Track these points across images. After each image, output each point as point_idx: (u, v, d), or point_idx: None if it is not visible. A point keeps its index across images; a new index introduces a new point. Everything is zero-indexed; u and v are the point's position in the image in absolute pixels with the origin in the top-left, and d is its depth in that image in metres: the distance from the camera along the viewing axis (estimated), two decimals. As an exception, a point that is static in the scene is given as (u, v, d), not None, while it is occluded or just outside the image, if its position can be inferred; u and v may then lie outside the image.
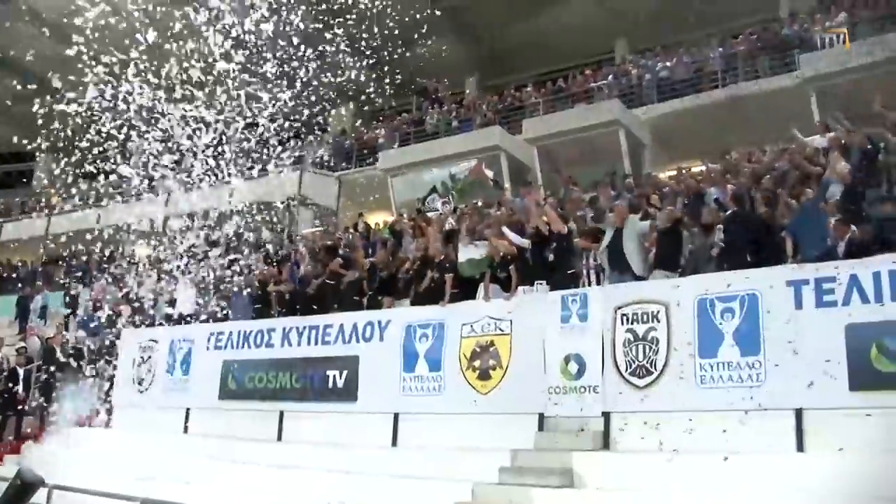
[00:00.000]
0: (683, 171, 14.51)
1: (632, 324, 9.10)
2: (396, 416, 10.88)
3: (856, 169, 10.74)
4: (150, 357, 14.50)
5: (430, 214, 17.64)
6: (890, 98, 13.23)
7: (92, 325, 17.85)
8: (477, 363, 10.27)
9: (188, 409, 13.55)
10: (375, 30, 21.81)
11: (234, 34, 11.68)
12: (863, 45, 18.61)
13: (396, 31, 23.22)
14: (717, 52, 22.43)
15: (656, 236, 10.10)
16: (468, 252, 11.33)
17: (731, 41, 22.76)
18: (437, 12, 28.18)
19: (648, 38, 26.68)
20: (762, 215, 9.83)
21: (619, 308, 9.23)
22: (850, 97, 17.02)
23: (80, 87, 11.81)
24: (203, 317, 14.09)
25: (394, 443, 10.79)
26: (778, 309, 8.24)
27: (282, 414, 12.22)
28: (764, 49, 21.62)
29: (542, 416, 9.52)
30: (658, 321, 8.94)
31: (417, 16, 23.30)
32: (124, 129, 13.11)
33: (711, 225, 10.12)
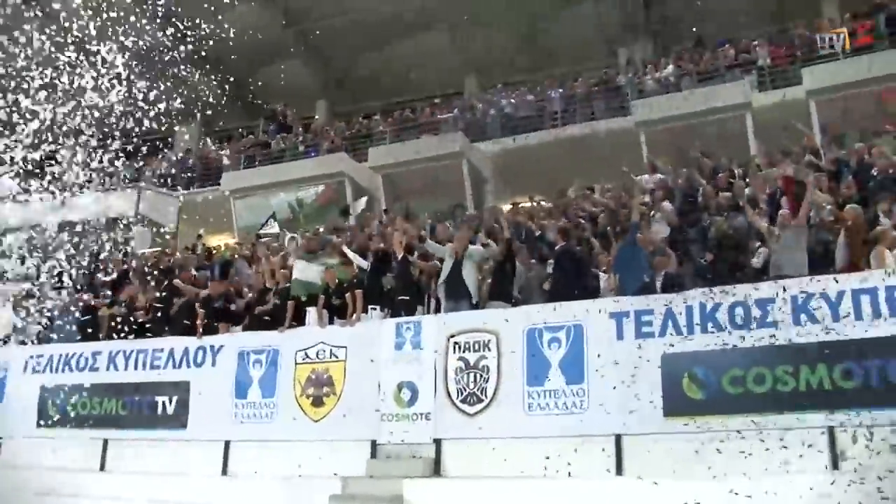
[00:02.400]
0: (520, 206, 14.99)
1: (464, 352, 9.33)
2: (227, 443, 10.60)
3: (678, 210, 11.53)
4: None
5: (266, 241, 17.29)
6: (708, 145, 14.35)
7: None
8: (311, 390, 10.21)
9: (0, 438, 12.59)
10: (226, 47, 21.38)
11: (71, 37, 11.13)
12: (688, 95, 20.08)
13: (247, 52, 22.86)
14: (557, 93, 23.41)
15: (491, 268, 10.40)
16: (302, 271, 11.20)
17: (570, 84, 23.83)
18: (289, 36, 28.10)
19: (498, 76, 27.50)
20: (587, 251, 10.33)
21: (453, 336, 9.44)
22: (675, 142, 18.26)
23: None
24: (21, 339, 13.20)
25: (224, 471, 10.49)
26: (601, 339, 8.68)
27: (106, 442, 11.62)
28: (601, 92, 22.82)
29: (374, 443, 9.55)
30: (489, 350, 9.20)
31: (269, 38, 23.04)
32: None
33: (543, 259, 10.53)
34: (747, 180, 12.00)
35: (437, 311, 10.44)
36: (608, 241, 10.89)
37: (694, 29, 24.29)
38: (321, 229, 16.68)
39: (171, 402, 11.30)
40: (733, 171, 13.08)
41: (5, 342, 13.34)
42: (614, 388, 8.42)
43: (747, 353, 7.98)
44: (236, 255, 15.99)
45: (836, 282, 7.94)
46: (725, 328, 8.16)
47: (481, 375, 9.14)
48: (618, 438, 8.32)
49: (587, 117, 22.24)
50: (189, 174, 26.98)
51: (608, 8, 25.80)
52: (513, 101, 24.02)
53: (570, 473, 8.27)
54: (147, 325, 12.51)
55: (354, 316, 10.42)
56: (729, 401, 7.92)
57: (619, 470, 8.23)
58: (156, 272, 14.37)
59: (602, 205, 12.71)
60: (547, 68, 26.49)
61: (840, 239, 9.03)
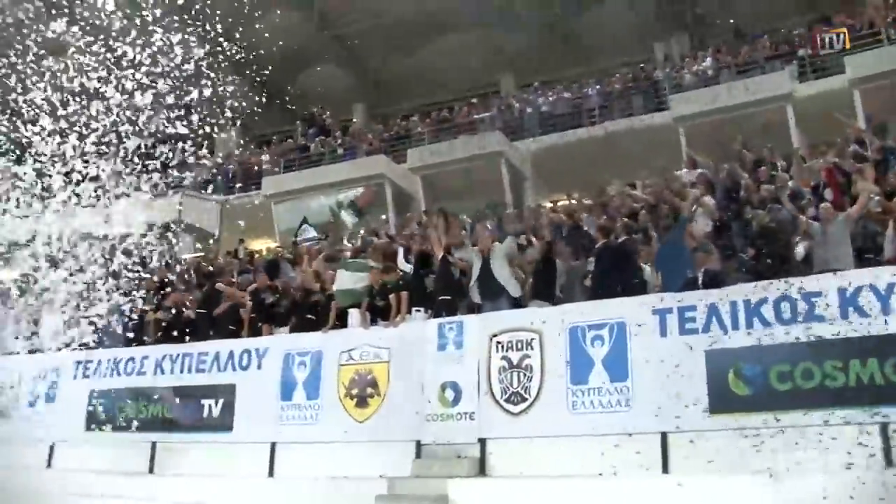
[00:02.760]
0: (559, 203, 14.93)
1: (507, 351, 9.31)
2: (273, 445, 10.68)
3: (720, 204, 11.40)
4: (10, 388, 13.70)
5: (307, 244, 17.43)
6: (749, 137, 14.15)
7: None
8: (355, 391, 10.26)
9: (53, 443, 12.87)
10: (263, 53, 21.64)
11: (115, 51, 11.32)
12: (728, 88, 19.85)
13: (284, 57, 23.06)
14: (594, 90, 23.30)
15: (532, 268, 10.38)
16: (343, 281, 11.28)
17: (607, 80, 23.69)
18: (325, 40, 28.30)
19: (533, 74, 27.45)
20: (629, 247, 10.25)
21: (495, 336, 9.42)
22: (714, 136, 18.06)
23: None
24: (71, 345, 13.44)
25: (270, 473, 10.58)
26: (644, 336, 8.61)
27: (154, 445, 11.78)
28: (638, 88, 22.66)
29: (419, 444, 9.56)
30: (532, 348, 9.17)
31: (305, 43, 23.23)
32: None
33: (584, 256, 10.48)
34: (790, 173, 11.83)
35: (472, 310, 10.43)
36: (648, 237, 10.82)
37: (731, 21, 24.01)
38: (361, 231, 16.77)
39: (217, 404, 11.43)
40: (775, 163, 12.90)
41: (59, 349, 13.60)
42: (659, 385, 8.33)
43: (794, 348, 7.83)
44: (281, 257, 16.16)
45: (886, 274, 7.78)
46: (771, 323, 8.03)
47: (524, 374, 9.12)
48: (663, 436, 8.22)
49: (624, 113, 22.12)
50: (230, 179, 27.33)
51: (643, 2, 25.58)
52: (550, 98, 23.95)
53: (615, 472, 8.21)
54: (192, 329, 12.68)
55: (399, 318, 10.46)
56: (777, 397, 7.78)
57: (665, 468, 8.13)
58: (199, 277, 14.57)
59: (642, 201, 12.60)
60: (583, 65, 26.42)
61: (889, 231, 8.86)
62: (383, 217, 20.80)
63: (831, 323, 7.75)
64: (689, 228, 9.82)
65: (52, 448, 12.79)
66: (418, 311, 10.34)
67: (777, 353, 7.91)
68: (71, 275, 13.40)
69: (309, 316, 11.55)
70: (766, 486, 7.33)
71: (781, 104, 18.98)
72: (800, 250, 9.50)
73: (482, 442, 9.20)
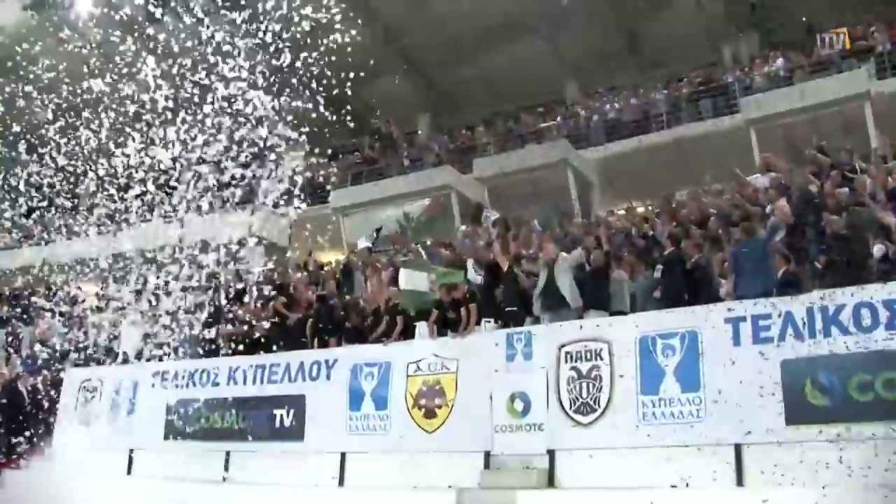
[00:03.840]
0: (626, 211, 14.73)
1: (576, 361, 9.22)
2: (343, 455, 10.80)
3: (795, 209, 11.07)
4: (93, 397, 14.18)
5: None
6: (825, 138, 13.73)
7: (35, 363, 17.40)
8: (423, 402, 10.29)
9: (132, 450, 13.24)
10: (328, 70, 21.90)
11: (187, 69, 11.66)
12: (801, 88, 19.33)
13: (349, 70, 23.23)
14: (662, 95, 22.97)
15: (587, 277, 10.27)
16: (407, 280, 11.27)
17: (675, 84, 23.33)
18: (389, 53, 28.53)
19: (598, 81, 27.21)
20: (698, 255, 10.05)
21: (563, 346, 9.35)
22: (788, 138, 17.61)
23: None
24: (147, 356, 13.82)
25: (340, 482, 10.69)
26: (716, 345, 8.42)
27: (228, 454, 12.03)
28: (707, 92, 22.24)
29: (488, 454, 9.55)
30: (601, 358, 9.07)
31: (369, 56, 23.42)
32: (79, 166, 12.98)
33: (652, 265, 10.33)
34: (869, 174, 11.44)
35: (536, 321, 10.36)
36: (720, 244, 10.58)
37: (804, 18, 23.34)
38: (429, 242, 16.83)
39: (288, 414, 11.61)
40: (854, 165, 12.49)
41: (125, 360, 14.01)
42: (732, 395, 8.14)
43: (875, 357, 7.56)
44: (350, 268, 16.29)
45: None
46: (850, 331, 7.77)
47: (594, 385, 9.02)
48: (737, 448, 8.04)
49: (694, 118, 21.74)
50: (299, 192, 27.70)
51: (709, 4, 25.09)
52: (616, 105, 23.70)
53: (688, 484, 8.05)
54: (264, 342, 12.89)
55: (469, 329, 10.46)
56: (856, 408, 7.52)
57: (740, 480, 7.95)
58: (271, 290, 14.81)
59: (715, 206, 12.31)
60: (649, 69, 26.04)
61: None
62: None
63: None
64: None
65: (131, 455, 13.17)
66: (488, 321, 10.31)
67: (856, 362, 7.64)
68: (146, 289, 13.82)
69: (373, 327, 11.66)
70: (843, 499, 7.07)
71: (859, 103, 18.36)
72: (877, 252, 9.18)
73: (551, 453, 9.14)
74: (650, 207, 14.17)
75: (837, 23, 21.73)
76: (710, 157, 18.37)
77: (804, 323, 8.03)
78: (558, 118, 24.99)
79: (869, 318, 7.72)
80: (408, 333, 11.20)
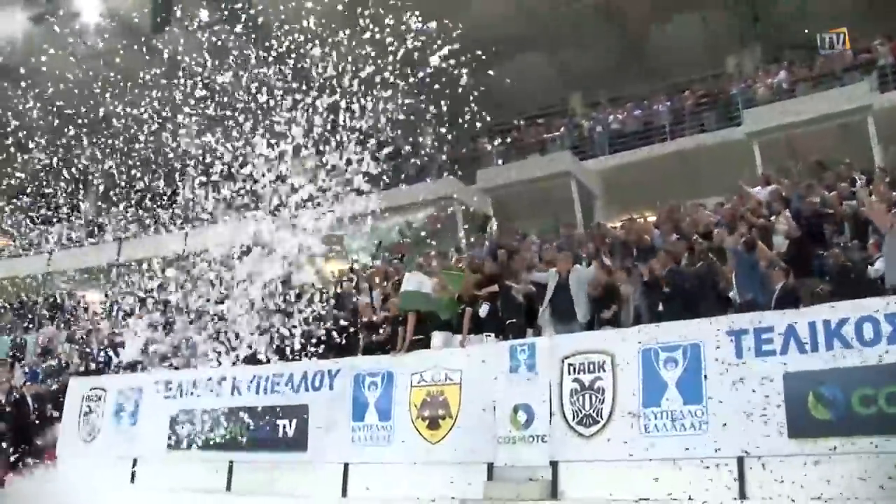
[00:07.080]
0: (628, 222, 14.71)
1: (578, 374, 9.26)
2: (346, 465, 10.82)
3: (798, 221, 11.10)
4: (97, 406, 14.19)
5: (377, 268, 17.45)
6: (827, 151, 13.77)
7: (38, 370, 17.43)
8: (427, 412, 10.31)
9: (135, 460, 13.26)
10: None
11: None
12: (803, 101, 19.38)
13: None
14: (665, 107, 23.02)
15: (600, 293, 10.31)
16: (410, 281, 11.32)
17: (679, 96, 23.39)
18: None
19: (602, 92, 27.26)
20: (701, 267, 10.08)
21: (566, 358, 9.38)
22: (790, 151, 17.67)
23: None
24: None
25: (344, 493, 10.70)
26: (719, 358, 8.45)
27: (231, 464, 12.04)
28: (710, 104, 22.31)
29: (491, 466, 9.56)
30: (604, 371, 9.10)
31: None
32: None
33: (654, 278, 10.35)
34: (870, 188, 11.47)
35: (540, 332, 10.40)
36: (723, 257, 10.60)
37: (806, 31, 23.39)
38: (431, 253, 16.85)
39: (290, 425, 11.62)
40: (854, 178, 12.53)
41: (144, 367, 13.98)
42: (735, 408, 8.17)
43: (878, 371, 7.59)
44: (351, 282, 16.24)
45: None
46: (853, 345, 7.80)
47: (596, 397, 9.05)
48: (740, 461, 8.06)
49: (697, 129, 21.79)
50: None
51: (714, 16, 25.17)
52: (619, 116, 23.77)
53: (690, 497, 8.08)
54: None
55: (468, 338, 10.51)
56: (860, 422, 7.55)
57: (743, 493, 7.97)
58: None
59: (721, 215, 12.32)
60: (652, 81, 26.08)
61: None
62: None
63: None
64: (759, 247, 9.61)
65: (134, 464, 13.18)
66: (488, 336, 10.36)
67: (860, 375, 7.67)
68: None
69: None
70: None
71: (861, 116, 18.41)
72: (877, 267, 9.22)
73: (554, 465, 9.16)
74: (649, 218, 14.17)
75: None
76: (713, 168, 18.40)
77: (807, 336, 8.06)
78: (562, 129, 25.01)
79: (871, 332, 7.75)
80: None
